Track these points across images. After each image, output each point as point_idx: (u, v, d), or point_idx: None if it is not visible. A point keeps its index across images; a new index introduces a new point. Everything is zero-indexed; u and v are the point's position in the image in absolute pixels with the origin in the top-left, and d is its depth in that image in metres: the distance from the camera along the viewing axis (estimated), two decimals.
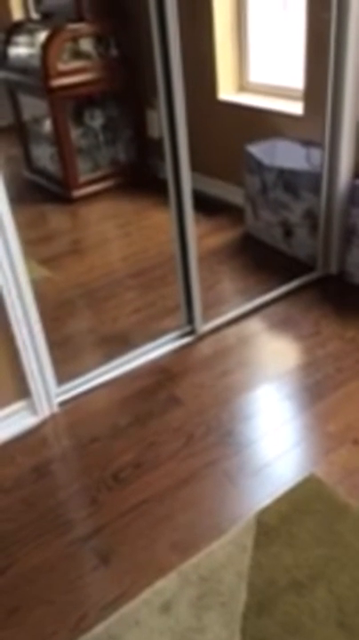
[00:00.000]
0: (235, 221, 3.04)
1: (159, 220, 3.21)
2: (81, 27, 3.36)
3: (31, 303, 1.74)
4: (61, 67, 3.29)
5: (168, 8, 1.66)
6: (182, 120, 1.83)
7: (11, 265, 1.63)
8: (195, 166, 3.44)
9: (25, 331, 1.74)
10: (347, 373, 1.98)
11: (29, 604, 1.37)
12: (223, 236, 2.97)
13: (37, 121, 3.78)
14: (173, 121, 1.83)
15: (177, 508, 1.56)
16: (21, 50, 3.55)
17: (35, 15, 3.81)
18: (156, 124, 3.63)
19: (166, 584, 1.36)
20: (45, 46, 3.24)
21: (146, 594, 1.35)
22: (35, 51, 3.34)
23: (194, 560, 1.41)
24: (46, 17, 3.67)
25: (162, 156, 3.58)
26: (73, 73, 3.35)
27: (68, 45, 3.34)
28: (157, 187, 3.61)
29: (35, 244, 3.20)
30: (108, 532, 1.52)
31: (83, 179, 3.60)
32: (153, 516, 1.55)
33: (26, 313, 1.72)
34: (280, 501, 1.54)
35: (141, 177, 3.83)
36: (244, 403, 1.89)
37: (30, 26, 3.60)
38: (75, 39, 3.36)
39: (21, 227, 3.56)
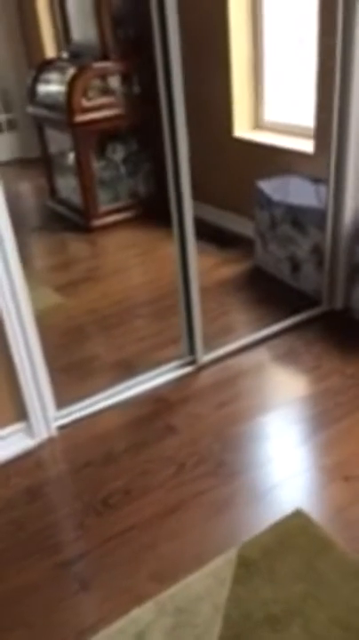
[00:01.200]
0: (245, 254, 3.08)
1: (174, 251, 3.26)
2: (106, 65, 3.50)
3: (32, 327, 1.80)
4: (85, 103, 3.43)
5: (172, 48, 1.76)
6: (184, 155, 1.92)
7: (12, 290, 1.70)
8: (210, 199, 3.54)
9: (24, 354, 1.79)
10: (345, 408, 1.97)
11: (10, 625, 1.39)
12: (233, 268, 3.01)
13: (62, 154, 3.92)
14: (176, 156, 1.92)
15: (161, 536, 1.57)
16: (49, 87, 3.71)
17: (64, 54, 3.98)
18: None
19: (142, 613, 1.37)
20: (71, 84, 3.39)
21: (122, 622, 1.36)
22: (62, 88, 3.49)
23: (172, 590, 1.42)
24: (74, 56, 3.84)
25: None
26: (96, 109, 3.48)
27: (93, 83, 3.48)
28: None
29: (51, 270, 3.30)
30: (92, 557, 1.54)
31: (102, 209, 3.70)
32: (137, 544, 1.56)
33: (25, 337, 1.77)
34: (264, 535, 1.53)
35: (159, 209, 3.91)
36: (238, 434, 1.89)
37: (58, 64, 3.77)
38: (99, 77, 3.51)
39: (41, 254, 3.70)
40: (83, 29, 3.75)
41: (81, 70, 3.43)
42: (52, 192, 4.14)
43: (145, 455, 1.84)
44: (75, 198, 3.83)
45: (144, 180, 3.90)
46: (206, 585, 1.42)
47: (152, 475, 1.76)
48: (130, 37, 3.58)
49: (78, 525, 1.63)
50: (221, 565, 1.46)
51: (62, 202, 4.02)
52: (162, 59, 1.80)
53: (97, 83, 3.53)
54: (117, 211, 3.77)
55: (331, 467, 1.74)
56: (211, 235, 3.44)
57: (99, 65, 3.48)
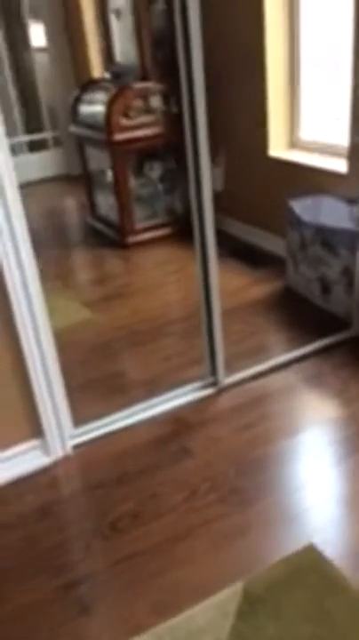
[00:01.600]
0: (277, 274, 3.03)
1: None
2: (145, 86, 3.55)
3: (50, 344, 1.81)
4: (124, 122, 3.48)
5: (195, 70, 1.75)
6: (207, 176, 1.88)
7: (30, 306, 1.70)
8: (245, 217, 3.52)
9: (41, 371, 1.80)
10: None
11: None
12: (264, 288, 2.96)
13: (102, 172, 3.98)
14: (199, 175, 1.89)
15: (167, 564, 1.53)
16: (90, 106, 3.79)
17: (106, 74, 4.06)
18: (219, 177, 3.72)
19: None
20: (110, 103, 3.45)
21: None
22: (102, 107, 3.55)
23: (172, 622, 1.38)
24: (116, 76, 3.91)
25: (222, 209, 3.70)
26: (135, 128, 3.52)
27: (132, 102, 3.53)
28: (217, 239, 3.67)
29: (84, 286, 3.34)
30: (96, 581, 1.51)
31: (138, 226, 3.73)
32: (142, 571, 1.53)
33: (42, 353, 1.78)
34: (273, 569, 1.47)
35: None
36: (254, 460, 1.84)
37: (100, 84, 3.85)
38: (138, 97, 3.55)
39: (75, 270, 3.75)
40: (125, 51, 3.82)
41: (120, 91, 3.48)
42: (92, 209, 4.20)
43: (158, 478, 1.82)
44: (113, 215, 3.87)
45: (181, 198, 3.90)
46: (208, 618, 1.37)
47: (163, 499, 1.73)
48: (169, 59, 3.62)
49: (85, 547, 1.61)
50: (226, 599, 1.41)
51: (101, 218, 4.07)
52: (186, 81, 1.78)
53: (136, 102, 3.58)
54: (153, 228, 3.79)
55: (352, 500, 1.66)
56: (244, 253, 3.41)
57: (138, 85, 3.53)
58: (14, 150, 5.52)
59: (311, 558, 1.49)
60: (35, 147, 5.72)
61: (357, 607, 1.36)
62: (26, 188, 5.60)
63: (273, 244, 3.28)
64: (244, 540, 1.57)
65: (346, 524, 1.59)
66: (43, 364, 1.80)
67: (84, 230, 4.24)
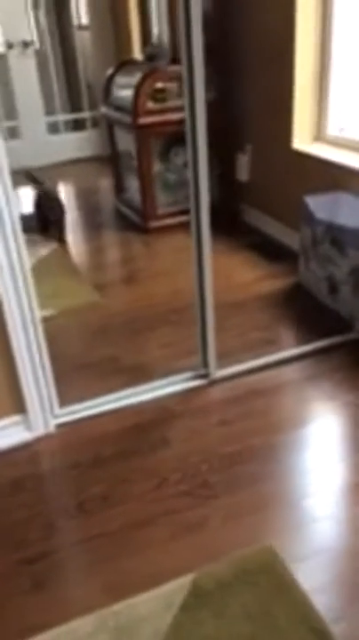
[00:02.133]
0: (291, 270, 2.97)
1: (225, 263, 3.20)
2: (175, 69, 3.50)
3: (37, 323, 1.84)
4: (150, 106, 3.46)
5: (195, 55, 1.72)
6: (204, 166, 1.86)
7: (15, 283, 1.72)
8: (268, 209, 3.46)
9: (25, 350, 1.83)
10: (346, 445, 1.85)
11: None
12: (276, 282, 2.92)
13: (129, 155, 3.98)
14: (196, 164, 1.87)
15: (125, 549, 1.55)
16: (120, 88, 3.78)
17: (140, 56, 4.04)
18: (245, 167, 3.67)
19: (82, 625, 1.36)
20: (138, 86, 3.43)
21: (60, 629, 1.35)
22: (130, 90, 3.54)
23: (118, 607, 1.39)
24: (149, 58, 3.88)
25: (247, 200, 3.65)
26: (162, 112, 3.49)
27: (161, 86, 3.50)
28: (237, 230, 3.64)
29: (99, 268, 3.36)
30: (54, 559, 1.54)
31: (161, 211, 3.72)
32: (99, 554, 1.55)
33: (27, 332, 1.81)
34: (225, 566, 1.47)
35: (222, 217, 3.87)
36: (229, 455, 1.83)
37: (131, 66, 3.83)
38: (168, 80, 3.52)
39: (93, 251, 3.77)
40: (159, 33, 3.79)
41: (148, 73, 3.45)
42: (119, 192, 4.21)
43: (132, 464, 1.83)
44: (137, 199, 3.87)
45: (209, 187, 3.86)
46: (152, 607, 1.38)
47: (133, 485, 1.75)
48: (204, 44, 3.56)
49: (49, 525, 1.64)
50: (173, 590, 1.42)
51: (126, 202, 4.08)
52: (187, 67, 1.76)
53: (168, 85, 3.54)
54: (176, 214, 3.75)
55: (317, 505, 1.63)
56: (262, 246, 3.36)
57: (167, 69, 3.49)
58: (56, 129, 5.59)
59: (265, 559, 1.48)
60: (78, 126, 5.76)
61: (300, 611, 1.34)
62: (62, 167, 5.66)
63: (292, 238, 3.22)
64: (203, 534, 1.57)
65: (306, 529, 1.57)
66: (27, 342, 1.82)
67: (111, 213, 4.26)
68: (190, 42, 1.72)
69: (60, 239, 3.62)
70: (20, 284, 1.74)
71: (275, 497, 1.67)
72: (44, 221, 3.68)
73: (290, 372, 2.24)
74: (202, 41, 1.72)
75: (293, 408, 2.07)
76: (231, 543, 1.54)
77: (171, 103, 3.51)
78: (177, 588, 1.42)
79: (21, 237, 1.70)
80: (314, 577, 1.43)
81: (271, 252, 3.28)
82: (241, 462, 1.81)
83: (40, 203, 3.71)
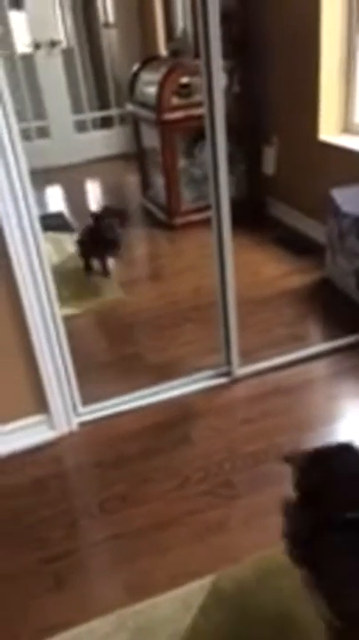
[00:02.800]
0: (318, 264, 2.91)
1: (251, 258, 3.16)
2: (200, 64, 3.46)
3: (59, 322, 1.84)
4: (175, 101, 3.43)
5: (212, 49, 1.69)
6: (223, 159, 1.84)
7: (35, 279, 1.73)
8: (294, 203, 3.40)
9: (46, 349, 1.84)
10: None
11: None
12: (302, 277, 2.87)
13: (154, 151, 3.97)
14: (216, 157, 1.85)
15: (145, 550, 1.54)
16: (144, 84, 3.76)
17: (164, 52, 4.01)
18: (271, 160, 3.62)
19: (102, 624, 1.36)
20: (162, 82, 3.41)
21: (80, 629, 1.35)
22: (154, 86, 3.52)
23: (138, 606, 1.39)
24: (173, 54, 3.85)
25: (274, 194, 3.59)
26: (187, 107, 3.46)
27: (185, 81, 3.47)
28: (263, 224, 3.59)
29: (124, 265, 3.36)
30: (75, 558, 1.55)
31: (186, 207, 3.69)
32: (120, 553, 1.55)
33: (48, 331, 1.82)
34: (246, 568, 1.45)
35: (249, 212, 3.82)
36: (253, 454, 1.80)
37: (156, 62, 3.81)
38: (193, 75, 3.48)
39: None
40: (183, 27, 3.76)
41: (172, 69, 3.43)
42: (144, 188, 4.21)
43: (154, 463, 1.82)
44: (163, 195, 3.86)
45: (235, 182, 3.82)
46: (172, 609, 1.37)
47: (154, 484, 1.74)
48: (230, 37, 3.52)
49: (71, 524, 1.65)
50: (193, 591, 1.40)
51: (151, 198, 4.07)
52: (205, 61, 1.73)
53: (190, 81, 3.51)
54: (201, 210, 3.72)
55: None
56: (289, 240, 3.30)
57: (192, 63, 3.46)
58: (84, 127, 5.62)
59: (287, 561, 1.45)
60: (105, 124, 5.78)
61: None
62: (89, 164, 5.69)
63: (318, 232, 3.16)
64: (224, 535, 1.55)
65: None
66: (49, 341, 1.83)
67: (137, 210, 4.25)
68: (207, 32, 1.70)
69: (105, 272, 3.12)
70: (40, 280, 1.74)
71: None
72: (91, 252, 3.14)
73: (316, 368, 2.20)
74: (219, 31, 1.69)
75: (320, 405, 2.03)
76: (253, 544, 1.51)
77: (195, 98, 3.47)
78: (197, 589, 1.41)
79: (40, 235, 1.71)
80: None
81: (297, 246, 3.22)
82: (265, 461, 1.78)
83: (93, 237, 3.10)
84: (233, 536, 1.55)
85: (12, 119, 1.54)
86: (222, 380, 2.16)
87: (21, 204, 1.63)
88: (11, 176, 1.58)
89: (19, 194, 1.61)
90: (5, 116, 1.52)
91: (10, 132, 1.54)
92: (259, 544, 1.51)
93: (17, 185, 1.60)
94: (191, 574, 1.45)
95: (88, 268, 3.15)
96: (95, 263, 3.13)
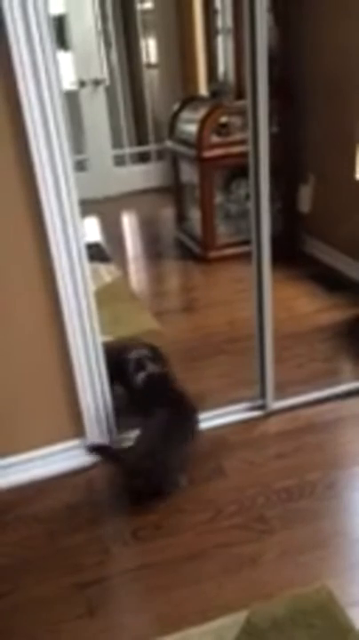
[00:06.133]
0: (354, 301, 2.92)
1: (285, 294, 3.17)
2: (240, 104, 3.57)
3: (100, 353, 1.88)
4: (214, 139, 3.53)
5: (260, 95, 1.75)
6: (266, 195, 1.88)
7: (79, 307, 1.78)
8: (330, 241, 3.42)
9: (87, 378, 1.87)
10: None
11: (11, 632, 1.45)
12: (336, 314, 2.87)
13: (191, 186, 4.06)
14: (259, 196, 1.89)
15: (176, 581, 1.54)
16: (185, 123, 3.88)
17: (205, 92, 4.14)
18: (308, 199, 3.67)
19: None
20: (203, 120, 3.52)
21: None
22: (194, 124, 3.63)
23: (169, 639, 1.38)
24: (214, 94, 3.98)
25: (309, 231, 3.63)
26: (225, 145, 3.56)
27: (225, 120, 3.57)
28: (298, 260, 3.62)
29: (159, 296, 3.42)
30: (107, 585, 1.55)
31: (222, 241, 3.75)
32: (152, 583, 1.54)
33: (89, 359, 1.86)
34: (280, 604, 1.43)
35: (284, 248, 3.85)
36: (286, 490, 1.79)
37: (196, 102, 3.93)
38: (233, 115, 3.59)
39: (154, 279, 3.84)
40: (225, 69, 3.88)
41: (214, 108, 3.54)
42: (180, 221, 4.29)
43: (187, 493, 1.82)
44: (198, 229, 3.93)
45: (271, 218, 3.87)
46: None
47: (187, 515, 1.74)
48: (271, 78, 3.62)
49: (104, 551, 1.65)
50: (226, 626, 1.39)
51: (186, 231, 4.15)
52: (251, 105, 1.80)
53: (232, 120, 3.61)
54: (236, 244, 3.78)
55: None
56: (323, 277, 3.32)
57: (232, 104, 3.57)
58: (122, 161, 5.79)
59: (322, 600, 1.43)
60: (143, 159, 5.95)
61: None
62: (126, 197, 5.81)
63: (354, 269, 3.18)
64: (257, 570, 1.54)
65: None
66: (89, 367, 1.87)
67: (172, 242, 4.33)
68: (255, 77, 1.76)
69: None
70: (84, 307, 1.79)
71: (333, 535, 1.62)
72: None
73: (350, 405, 2.18)
74: (266, 77, 1.75)
75: (353, 443, 2.01)
76: (286, 581, 1.50)
77: (234, 137, 3.57)
78: (230, 623, 1.39)
79: (86, 263, 1.76)
80: None
81: (332, 282, 3.24)
82: (298, 497, 1.77)
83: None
84: (266, 572, 1.54)
85: (67, 152, 1.61)
86: (256, 414, 2.16)
87: (70, 231, 1.69)
88: (63, 206, 1.65)
89: (69, 223, 1.68)
90: (61, 147, 1.60)
91: (64, 164, 1.62)
92: (293, 581, 1.49)
93: (68, 214, 1.66)
94: (223, 608, 1.44)
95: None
96: None
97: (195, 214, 4.02)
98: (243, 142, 3.54)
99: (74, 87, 5.24)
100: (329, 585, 1.46)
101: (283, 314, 2.83)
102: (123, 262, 3.91)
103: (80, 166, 5.45)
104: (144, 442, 1.82)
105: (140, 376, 2.04)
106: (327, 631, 1.35)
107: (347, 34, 2.92)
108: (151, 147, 5.79)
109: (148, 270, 3.83)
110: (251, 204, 1.94)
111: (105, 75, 5.51)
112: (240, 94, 3.59)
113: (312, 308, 3.01)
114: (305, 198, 3.68)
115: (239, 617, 1.41)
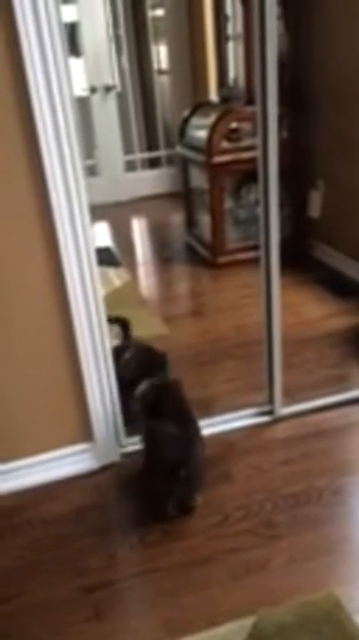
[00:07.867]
0: None
1: (293, 299, 3.16)
2: (250, 110, 3.58)
3: (109, 358, 1.89)
4: (224, 145, 3.54)
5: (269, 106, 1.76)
6: (275, 200, 1.88)
7: (88, 312, 1.79)
8: (340, 247, 3.42)
9: (96, 383, 1.88)
10: None
11: (18, 635, 1.45)
12: (345, 319, 2.86)
13: (201, 192, 4.07)
14: (268, 201, 1.90)
15: (184, 585, 1.54)
16: (195, 128, 3.90)
17: (214, 98, 4.16)
18: (317, 204, 3.67)
19: None
20: (213, 126, 3.53)
21: None
22: (204, 130, 3.64)
23: None
24: (224, 100, 3.99)
25: (318, 236, 3.63)
26: (235, 151, 3.57)
27: (235, 126, 3.58)
28: (307, 266, 3.61)
29: (167, 301, 3.43)
30: (114, 589, 1.55)
31: (231, 247, 3.76)
32: (158, 587, 1.54)
33: (98, 364, 1.87)
34: (287, 611, 1.42)
35: (293, 254, 3.85)
36: (294, 495, 1.79)
37: (207, 108, 3.95)
38: (242, 120, 3.59)
39: (164, 284, 3.86)
40: (235, 75, 3.90)
41: (224, 114, 3.55)
42: (189, 227, 4.30)
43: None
44: (207, 234, 3.94)
45: (280, 223, 3.87)
46: None
47: (194, 520, 1.74)
48: (280, 83, 3.63)
49: (111, 555, 1.66)
50: (233, 631, 1.39)
51: (196, 236, 4.16)
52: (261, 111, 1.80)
53: (242, 125, 3.62)
54: (245, 250, 3.78)
55: None
56: (332, 282, 3.31)
57: (242, 109, 3.58)
58: (133, 166, 5.82)
59: (329, 607, 1.42)
60: (153, 164, 5.98)
61: None
62: (136, 202, 5.84)
63: None
64: (264, 576, 1.53)
65: None
66: (98, 371, 1.88)
67: (181, 247, 4.34)
68: (265, 83, 1.76)
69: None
70: (93, 311, 1.80)
71: (341, 542, 1.62)
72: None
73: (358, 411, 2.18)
74: (276, 83, 1.76)
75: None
76: (293, 587, 1.50)
77: (244, 142, 3.58)
78: (237, 629, 1.39)
79: (96, 269, 1.77)
80: None
81: (341, 288, 3.23)
82: (305, 503, 1.77)
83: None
84: (273, 578, 1.53)
85: (78, 157, 1.63)
86: (264, 419, 2.16)
87: (80, 236, 1.70)
88: (73, 211, 1.66)
89: (80, 227, 1.69)
90: (72, 153, 1.61)
91: (75, 169, 1.63)
92: (301, 588, 1.49)
93: (78, 219, 1.68)
94: (230, 614, 1.44)
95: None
96: None
97: (204, 219, 4.03)
98: (253, 148, 3.55)
99: (85, 93, 5.28)
100: (336, 592, 1.46)
101: (291, 319, 2.83)
102: (132, 267, 3.93)
103: (91, 171, 5.49)
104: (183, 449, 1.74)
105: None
106: (334, 638, 1.34)
107: (357, 41, 2.92)
108: (161, 152, 5.81)
109: (158, 275, 3.84)
110: (260, 210, 1.94)
111: (116, 81, 5.55)
112: (250, 100, 3.59)
113: (321, 313, 3.00)
114: (314, 204, 3.68)
115: (246, 622, 1.40)
